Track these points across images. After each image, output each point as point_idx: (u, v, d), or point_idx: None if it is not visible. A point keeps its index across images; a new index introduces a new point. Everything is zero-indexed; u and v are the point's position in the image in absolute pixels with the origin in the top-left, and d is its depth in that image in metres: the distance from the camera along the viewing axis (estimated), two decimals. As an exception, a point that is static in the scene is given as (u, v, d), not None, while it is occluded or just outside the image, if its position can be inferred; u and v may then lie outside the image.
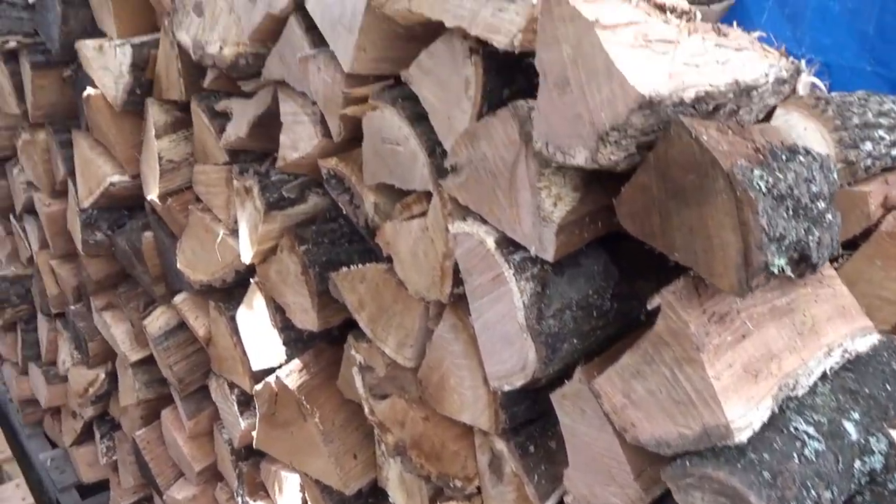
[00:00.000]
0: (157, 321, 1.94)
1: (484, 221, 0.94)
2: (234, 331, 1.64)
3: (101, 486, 2.66)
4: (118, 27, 1.64)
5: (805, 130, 1.17)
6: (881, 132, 1.24)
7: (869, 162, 1.19)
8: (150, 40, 1.62)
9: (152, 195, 1.74)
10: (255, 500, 1.74)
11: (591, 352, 0.95)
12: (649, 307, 0.79)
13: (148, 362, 2.08)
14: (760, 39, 1.04)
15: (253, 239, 1.44)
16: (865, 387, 0.96)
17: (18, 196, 2.43)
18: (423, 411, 1.20)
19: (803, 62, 1.25)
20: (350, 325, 1.37)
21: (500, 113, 0.86)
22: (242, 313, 1.61)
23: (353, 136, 1.19)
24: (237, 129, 1.46)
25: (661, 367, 0.78)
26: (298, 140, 1.27)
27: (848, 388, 0.95)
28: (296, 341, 1.49)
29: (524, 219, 0.88)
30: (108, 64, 1.65)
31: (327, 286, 1.34)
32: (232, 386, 1.76)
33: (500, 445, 1.07)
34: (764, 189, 0.72)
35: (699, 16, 1.10)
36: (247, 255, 1.48)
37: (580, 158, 0.76)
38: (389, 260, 1.16)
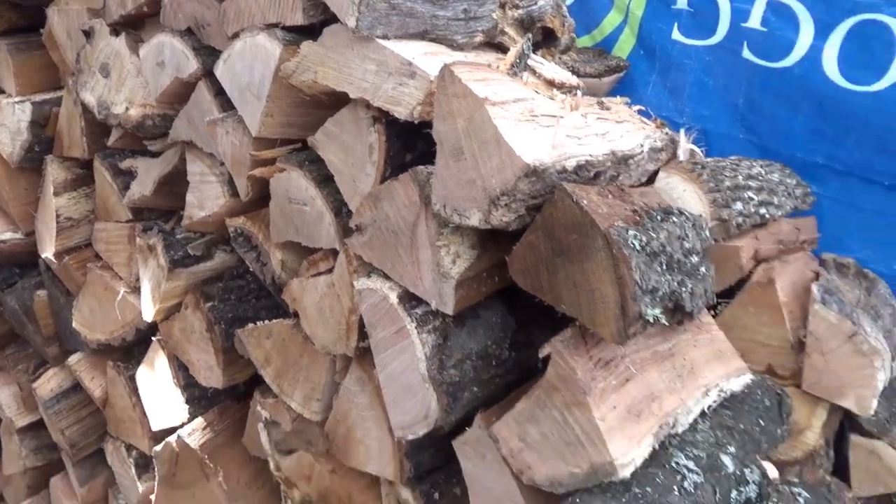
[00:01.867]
0: (49, 383, 1.86)
1: (387, 278, 0.99)
2: (134, 391, 1.60)
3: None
4: (18, 85, 1.61)
5: (684, 192, 1.30)
6: (750, 193, 1.39)
7: (740, 220, 1.33)
8: (51, 98, 1.61)
9: (48, 253, 1.69)
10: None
11: (492, 399, 1.01)
12: (541, 355, 0.86)
13: (36, 427, 1.97)
14: (642, 112, 1.17)
15: (156, 297, 1.43)
16: (741, 423, 1.06)
17: None
18: (329, 464, 1.21)
19: (683, 130, 1.39)
20: (256, 382, 1.37)
21: (402, 177, 0.92)
22: (143, 373, 1.57)
23: (261, 196, 1.22)
24: (142, 187, 1.46)
25: (552, 412, 0.85)
26: (205, 199, 1.29)
27: (725, 425, 1.04)
28: (199, 399, 1.47)
29: (425, 275, 0.93)
30: (5, 121, 1.61)
31: (233, 343, 1.34)
32: (130, 448, 1.70)
33: (406, 494, 1.10)
34: (638, 247, 0.81)
35: (583, 91, 1.22)
36: (149, 314, 1.46)
37: (475, 220, 0.83)
38: (296, 315, 1.18)
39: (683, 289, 0.90)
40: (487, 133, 0.79)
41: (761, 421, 1.11)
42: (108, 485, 1.86)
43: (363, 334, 1.06)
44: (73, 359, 1.78)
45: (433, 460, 1.09)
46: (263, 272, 1.24)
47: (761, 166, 1.57)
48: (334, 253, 1.11)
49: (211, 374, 1.39)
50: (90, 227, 1.67)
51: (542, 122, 0.85)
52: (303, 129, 1.11)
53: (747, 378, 1.11)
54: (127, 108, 1.35)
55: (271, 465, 1.28)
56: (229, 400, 1.50)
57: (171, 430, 1.51)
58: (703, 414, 1.00)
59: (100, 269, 1.61)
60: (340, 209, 1.08)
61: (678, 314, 0.90)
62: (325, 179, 1.08)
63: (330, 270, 1.12)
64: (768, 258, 1.40)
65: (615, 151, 0.90)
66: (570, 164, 0.83)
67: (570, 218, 0.80)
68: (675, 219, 0.93)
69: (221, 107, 1.20)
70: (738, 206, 1.36)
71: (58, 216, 1.64)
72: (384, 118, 0.98)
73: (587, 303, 0.80)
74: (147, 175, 1.46)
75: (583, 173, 0.87)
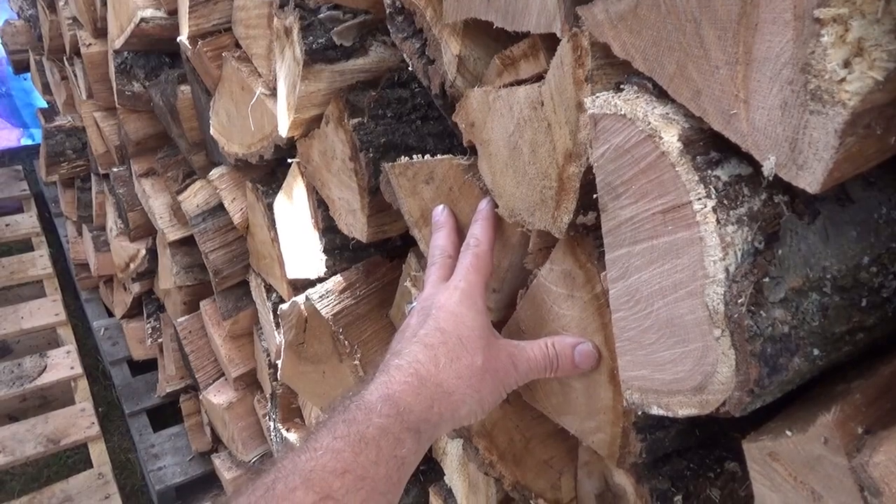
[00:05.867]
0: (195, 198, 1.60)
1: (662, 95, 0.47)
2: (272, 223, 1.27)
3: (153, 365, 2.47)
4: None
5: None
6: None
7: None
8: None
9: (182, 35, 1.33)
10: (287, 429, 1.42)
11: (837, 373, 0.49)
12: None
13: (189, 243, 1.77)
14: None
15: (290, 102, 1.02)
16: None
17: (66, 34, 2.09)
18: (502, 389, 0.78)
19: None
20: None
21: None
22: (280, 202, 1.22)
23: (437, -59, 0.72)
24: (278, -62, 1.01)
25: None
26: (352, -52, 0.81)
27: None
28: (341, 250, 1.10)
29: (761, 93, 0.40)
30: None
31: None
32: (270, 290, 1.42)
33: (624, 482, 0.64)
34: None
35: None
36: (283, 125, 1.06)
37: None
38: (473, 151, 0.71)
39: None
40: None
41: None
42: (254, 320, 1.62)
43: (588, 201, 0.57)
44: (214, 173, 1.48)
45: (680, 441, 0.61)
46: (429, 74, 0.76)
47: None
48: (550, 44, 0.60)
49: (354, 221, 0.99)
50: (231, 3, 1.27)
51: None
52: None
53: None
54: None
55: (419, 366, 0.88)
56: (380, 255, 1.11)
57: (309, 283, 1.17)
58: None
59: (236, 61, 1.23)
60: (574, -47, 0.55)
61: None
62: None
63: (541, 77, 0.61)
64: None
65: None
66: None
67: None
68: None
69: None
70: None
71: (191, -14, 1.26)
72: None
73: None
74: (286, -80, 0.99)
75: None
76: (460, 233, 0.74)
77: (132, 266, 2.02)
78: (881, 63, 0.37)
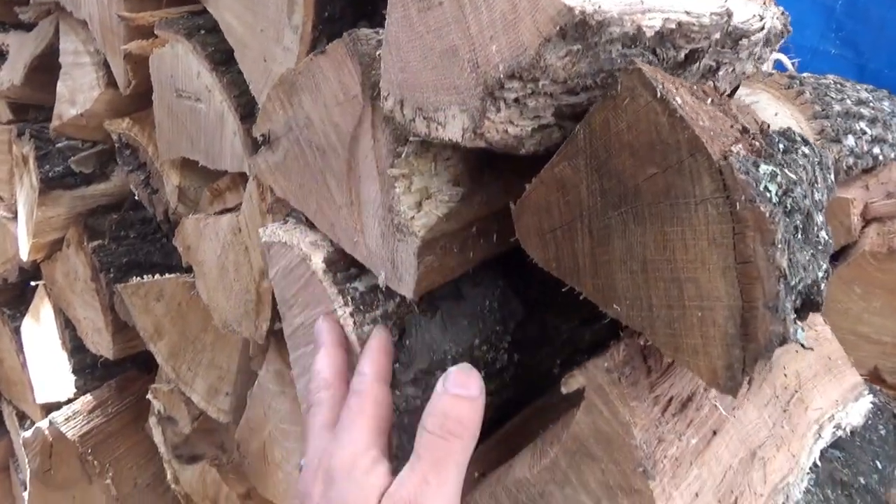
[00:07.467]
0: (-63, 325, 1.49)
1: (311, 226, 0.59)
2: (20, 347, 1.23)
3: None
4: None
5: (776, 116, 0.89)
6: (863, 124, 0.98)
7: (850, 161, 0.92)
8: None
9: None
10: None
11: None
12: (565, 390, 0.47)
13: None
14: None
15: (29, 227, 1.04)
16: (859, 475, 0.69)
17: None
18: (242, 485, 0.84)
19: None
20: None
21: (332, 49, 0.51)
22: (28, 325, 1.20)
23: (151, 88, 0.81)
24: (12, 73, 1.05)
25: (580, 496, 0.46)
26: (77, 91, 0.88)
27: (839, 480, 0.67)
28: (91, 368, 1.10)
29: (369, 226, 0.53)
30: None
31: (125, 299, 0.95)
32: (23, 417, 1.35)
33: None
34: (776, 198, 0.40)
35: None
36: (24, 250, 1.07)
37: (454, 129, 0.42)
38: (192, 271, 0.79)
39: (818, 271, 0.50)
40: (487, -60, 0.37)
41: (878, 462, 0.74)
42: (10, 453, 1.51)
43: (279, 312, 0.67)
44: (-43, 298, 1.40)
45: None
46: (153, 202, 0.84)
47: (867, 90, 1.16)
48: (246, 180, 0.71)
49: (100, 339, 1.01)
50: (-30, 129, 1.27)
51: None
52: (196, -26, 0.69)
53: (866, 402, 0.74)
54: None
55: (168, 475, 0.92)
56: (135, 369, 1.13)
57: (62, 405, 1.15)
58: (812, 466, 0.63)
59: (-24, 186, 1.22)
60: (252, 109, 0.68)
61: (804, 312, 0.50)
62: (227, 59, 0.67)
63: (239, 206, 0.72)
64: (883, 217, 1.01)
65: (729, 13, 0.48)
66: (652, 23, 0.41)
67: (646, 132, 0.39)
68: (804, 150, 0.52)
69: (87, -57, 0.78)
70: (850, 141, 0.96)
71: (-77, 112, 1.24)
72: (312, -55, 0.56)
73: (668, 306, 0.40)
74: (18, 57, 1.04)
75: (667, 49, 0.45)
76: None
77: None
78: (442, 206, 0.51)
